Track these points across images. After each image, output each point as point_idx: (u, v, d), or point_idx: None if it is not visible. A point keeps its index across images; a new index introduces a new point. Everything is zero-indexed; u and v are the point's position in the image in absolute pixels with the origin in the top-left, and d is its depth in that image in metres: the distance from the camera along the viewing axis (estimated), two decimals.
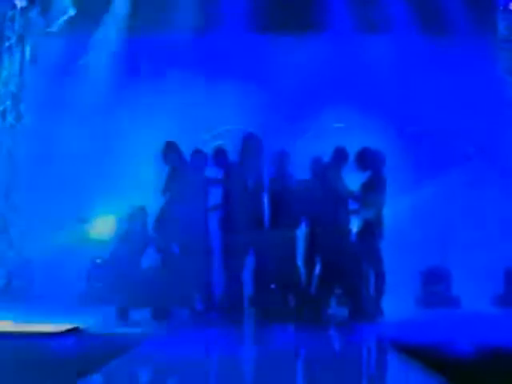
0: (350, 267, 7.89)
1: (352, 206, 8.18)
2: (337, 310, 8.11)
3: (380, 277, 7.95)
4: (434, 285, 9.81)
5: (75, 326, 5.75)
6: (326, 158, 8.43)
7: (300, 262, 8.31)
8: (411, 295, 9.53)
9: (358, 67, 10.71)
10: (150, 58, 10.51)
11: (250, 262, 7.98)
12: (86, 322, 6.83)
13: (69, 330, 5.74)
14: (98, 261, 8.94)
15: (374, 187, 7.99)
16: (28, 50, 10.32)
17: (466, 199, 10.31)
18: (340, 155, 8.19)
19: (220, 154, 8.42)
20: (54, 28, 10.31)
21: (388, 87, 10.58)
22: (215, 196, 8.11)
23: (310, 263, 8.33)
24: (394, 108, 10.55)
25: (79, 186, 9.70)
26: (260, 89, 10.45)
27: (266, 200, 8.10)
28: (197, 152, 8.29)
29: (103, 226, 9.31)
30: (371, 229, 7.90)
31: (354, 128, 10.28)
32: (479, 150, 10.68)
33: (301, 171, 8.50)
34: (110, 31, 10.53)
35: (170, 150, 7.90)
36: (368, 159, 8.05)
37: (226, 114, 10.22)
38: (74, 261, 9.42)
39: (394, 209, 8.50)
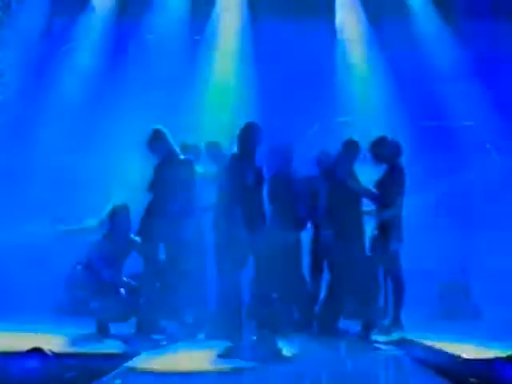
0: (363, 275, 6.88)
1: (366, 204, 7.23)
2: (348, 323, 7.09)
3: (399, 286, 6.93)
4: (453, 294, 8.98)
5: (38, 346, 4.73)
6: (334, 152, 7.52)
7: (305, 268, 7.37)
8: (427, 306, 8.59)
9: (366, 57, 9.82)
10: (139, 44, 9.55)
11: (248, 269, 6.95)
12: (61, 334, 6.08)
13: (31, 351, 4.74)
14: (80, 266, 7.91)
15: (391, 182, 6.96)
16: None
17: (487, 200, 9.38)
18: (351, 148, 7.20)
19: (214, 147, 7.46)
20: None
21: (399, 79, 9.68)
22: (209, 194, 7.14)
23: (316, 270, 7.35)
24: (406, 102, 9.62)
25: (57, 183, 8.69)
26: (259, 80, 9.50)
27: (267, 199, 7.12)
28: (188, 145, 7.33)
29: (83, 227, 8.32)
30: (389, 231, 6.90)
31: (360, 122, 9.36)
32: (497, 148, 9.77)
33: (306, 167, 7.57)
34: (97, 15, 9.59)
35: (158, 139, 6.84)
36: (385, 150, 7.05)
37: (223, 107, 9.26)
38: (51, 266, 8.44)
39: (407, 210, 7.53)
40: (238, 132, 6.76)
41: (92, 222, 8.03)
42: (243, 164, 6.69)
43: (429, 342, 6.41)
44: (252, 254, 6.84)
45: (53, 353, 4.76)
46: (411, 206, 7.47)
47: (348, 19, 9.87)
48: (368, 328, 6.79)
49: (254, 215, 6.67)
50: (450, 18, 9.62)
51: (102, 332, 6.41)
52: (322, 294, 7.37)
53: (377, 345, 6.53)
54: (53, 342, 5.80)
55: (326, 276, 7.38)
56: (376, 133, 7.52)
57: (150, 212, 6.79)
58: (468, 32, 9.62)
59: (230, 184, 6.67)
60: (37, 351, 4.72)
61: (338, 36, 9.79)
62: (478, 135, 9.66)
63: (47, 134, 8.96)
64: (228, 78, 9.35)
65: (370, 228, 7.10)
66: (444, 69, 9.71)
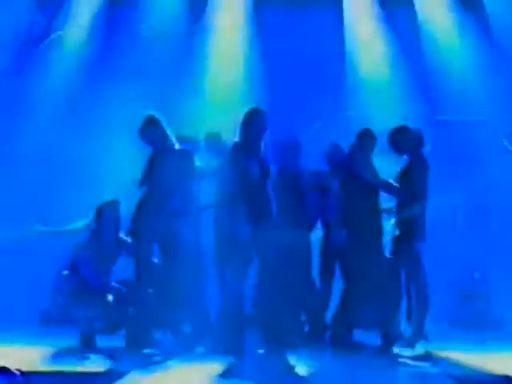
0: (382, 280, 6.02)
1: (384, 200, 6.39)
2: (365, 335, 6.23)
3: (422, 292, 6.07)
4: (472, 301, 8.16)
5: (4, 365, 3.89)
6: (345, 145, 6.71)
7: (315, 272, 6.54)
8: (444, 314, 7.76)
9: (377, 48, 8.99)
10: (134, 31, 8.73)
11: (252, 274, 6.14)
12: (39, 347, 5.42)
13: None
14: (66, 272, 7.02)
15: (414, 175, 6.09)
16: None
17: (508, 201, 8.55)
18: (367, 138, 6.35)
19: (214, 139, 6.60)
20: None
21: (410, 71, 8.86)
22: (208, 191, 6.30)
23: (327, 274, 6.51)
24: (418, 94, 8.80)
25: (41, 179, 7.83)
26: (262, 69, 8.67)
27: (273, 195, 6.28)
28: (185, 137, 6.46)
29: (71, 229, 7.46)
30: (412, 230, 6.03)
31: (368, 116, 8.53)
32: None
33: (312, 162, 6.75)
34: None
35: (151, 126, 5.95)
36: (405, 139, 6.20)
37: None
38: (35, 271, 7.58)
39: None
40: (240, 118, 5.91)
41: (81, 222, 7.17)
42: (247, 154, 5.80)
43: (455, 355, 5.66)
44: (256, 256, 6.00)
45: (22, 372, 3.92)
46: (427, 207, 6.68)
47: (357, 7, 9.07)
48: (389, 340, 5.92)
49: (258, 213, 5.79)
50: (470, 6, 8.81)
51: (86, 345, 5.54)
52: (333, 301, 6.58)
53: (400, 360, 5.70)
54: (27, 358, 5.02)
55: (336, 281, 6.60)
56: (386, 127, 6.74)
57: (142, 209, 5.89)
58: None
59: (231, 177, 5.78)
60: (2, 371, 3.87)
61: (346, 24, 8.97)
62: (493, 131, 8.87)
63: (32, 125, 8.12)
64: (229, 67, 8.49)
65: (388, 227, 6.28)
66: (458, 60, 8.91)
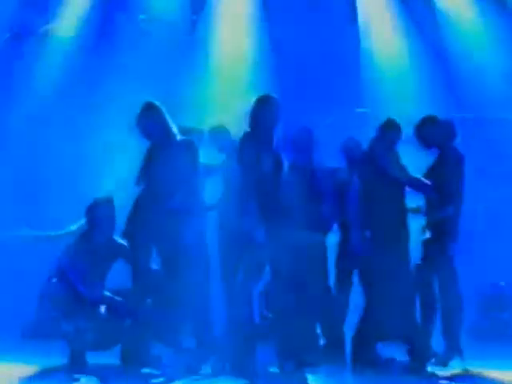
0: (409, 288, 5.30)
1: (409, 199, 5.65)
2: (391, 350, 5.44)
3: (457, 302, 5.34)
4: (497, 311, 7.40)
5: None
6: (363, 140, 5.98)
7: (331, 280, 5.79)
8: (465, 325, 7.00)
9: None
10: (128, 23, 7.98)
11: (261, 281, 5.38)
12: (23, 365, 4.75)
13: None
14: (54, 279, 6.22)
15: (445, 171, 5.35)
16: None
17: None
18: (392, 129, 5.59)
19: (219, 132, 5.83)
20: None
21: (429, 64, 8.12)
22: (213, 190, 5.56)
23: (344, 281, 5.77)
24: (438, 90, 8.04)
25: (30, 177, 7.05)
26: (271, 56, 7.93)
27: (288, 193, 5.52)
28: (187, 129, 5.70)
29: (64, 233, 6.67)
30: (445, 233, 5.31)
31: (381, 114, 7.77)
32: None
33: (325, 159, 6.01)
34: None
35: (150, 116, 5.15)
36: (435, 131, 5.47)
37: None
38: (22, 279, 6.78)
39: None
40: (250, 107, 5.14)
41: (75, 225, 6.39)
42: (258, 146, 5.02)
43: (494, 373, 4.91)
44: (267, 261, 5.25)
45: None
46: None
47: None
48: (419, 357, 5.16)
49: (271, 212, 5.03)
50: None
51: (76, 364, 4.73)
52: (351, 312, 5.83)
53: (432, 379, 4.94)
54: (7, 376, 4.25)
55: (354, 290, 5.85)
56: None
57: (139, 209, 5.14)
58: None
59: (240, 172, 5.02)
60: None
61: (360, 14, 8.22)
62: None
63: (21, 121, 7.36)
64: (235, 53, 7.72)
65: (414, 229, 5.53)
66: (481, 53, 8.17)
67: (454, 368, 5.16)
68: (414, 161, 5.60)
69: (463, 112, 8.13)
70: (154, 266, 5.18)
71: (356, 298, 5.80)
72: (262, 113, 5.09)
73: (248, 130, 5.12)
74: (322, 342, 5.66)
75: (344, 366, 5.31)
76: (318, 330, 5.70)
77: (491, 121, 8.23)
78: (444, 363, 5.22)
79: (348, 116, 7.97)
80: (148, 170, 5.18)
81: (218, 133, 5.82)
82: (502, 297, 7.44)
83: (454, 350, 5.29)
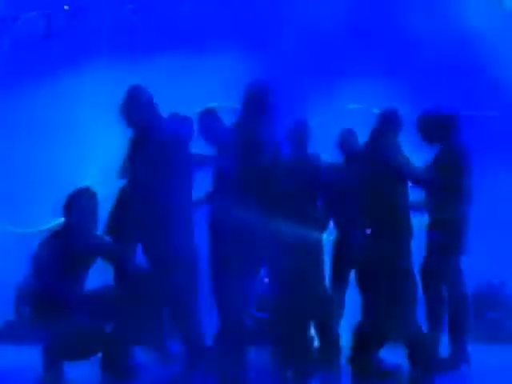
0: (408, 290, 4.68)
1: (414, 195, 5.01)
2: (390, 355, 4.82)
3: (463, 306, 4.73)
4: (489, 311, 6.81)
5: None
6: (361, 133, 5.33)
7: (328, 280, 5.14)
8: None
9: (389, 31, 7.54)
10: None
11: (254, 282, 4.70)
12: None
13: None
14: (30, 280, 5.45)
15: (449, 168, 4.74)
16: None
17: None
18: (393, 120, 4.93)
19: (210, 118, 5.14)
20: None
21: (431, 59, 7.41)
22: (204, 181, 4.87)
23: (339, 282, 5.15)
24: (440, 85, 7.33)
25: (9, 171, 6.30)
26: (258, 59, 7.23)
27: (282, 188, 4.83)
28: (176, 116, 5.01)
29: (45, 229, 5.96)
30: (454, 233, 4.69)
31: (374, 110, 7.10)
32: None
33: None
34: None
35: (136, 101, 4.42)
36: (438, 125, 4.85)
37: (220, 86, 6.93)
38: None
39: None
40: (247, 92, 4.45)
41: (56, 222, 5.66)
42: (255, 135, 4.36)
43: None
44: (261, 263, 4.58)
45: None
46: None
47: None
48: (425, 365, 4.53)
49: (270, 206, 4.37)
50: None
51: (51, 373, 4.03)
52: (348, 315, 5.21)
53: None
54: None
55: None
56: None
57: (124, 203, 4.47)
58: None
59: (234, 164, 4.38)
60: None
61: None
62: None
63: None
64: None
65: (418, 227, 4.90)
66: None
67: (460, 375, 4.55)
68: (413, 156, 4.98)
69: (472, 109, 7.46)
70: (140, 264, 4.47)
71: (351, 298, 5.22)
72: (260, 100, 4.38)
73: (243, 117, 4.44)
74: (315, 343, 5.09)
75: (339, 369, 4.72)
76: (312, 332, 5.12)
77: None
78: (449, 370, 4.60)
79: (339, 112, 7.32)
80: (133, 161, 4.48)
81: (209, 119, 5.11)
82: (496, 296, 6.89)
83: (460, 355, 4.68)
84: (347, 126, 5.68)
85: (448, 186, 4.66)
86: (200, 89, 6.38)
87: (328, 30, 7.13)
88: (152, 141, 4.43)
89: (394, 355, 4.62)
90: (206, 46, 6.95)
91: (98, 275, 4.27)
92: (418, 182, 4.69)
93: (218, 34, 6.93)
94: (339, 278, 5.14)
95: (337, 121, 6.93)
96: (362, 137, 5.32)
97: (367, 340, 4.62)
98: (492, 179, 7.18)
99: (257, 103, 4.35)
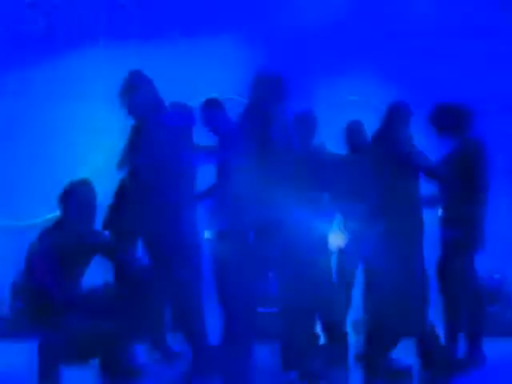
0: (419, 288, 4.25)
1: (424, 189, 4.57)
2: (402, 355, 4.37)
3: (478, 305, 4.32)
4: (488, 305, 6.40)
5: None
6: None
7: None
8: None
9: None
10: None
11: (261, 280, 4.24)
12: None
13: None
14: (24, 277, 4.93)
15: (464, 162, 4.31)
16: None
17: None
18: (403, 111, 4.47)
19: (212, 107, 4.63)
20: None
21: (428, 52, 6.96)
22: (208, 172, 4.42)
23: (347, 279, 4.73)
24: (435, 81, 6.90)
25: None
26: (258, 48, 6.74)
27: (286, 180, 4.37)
28: (176, 105, 4.51)
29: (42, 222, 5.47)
30: (470, 231, 4.28)
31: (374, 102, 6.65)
32: None
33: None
34: None
35: (136, 89, 3.89)
36: (452, 117, 4.41)
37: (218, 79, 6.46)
38: None
39: None
40: (255, 79, 3.96)
41: (51, 215, 5.16)
42: (265, 123, 3.86)
43: None
44: (269, 260, 4.11)
45: None
46: None
47: None
48: (438, 365, 4.11)
49: (281, 197, 3.88)
50: None
51: (46, 377, 3.54)
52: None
53: None
54: None
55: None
56: None
57: (124, 195, 4.01)
58: None
59: (242, 154, 3.90)
60: None
61: None
62: None
63: None
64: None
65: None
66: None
67: (475, 373, 4.13)
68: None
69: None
70: (141, 261, 4.01)
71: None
72: (269, 86, 3.93)
73: (251, 105, 3.98)
74: (321, 341, 4.67)
75: (347, 367, 4.32)
76: (318, 330, 4.70)
77: None
78: (463, 370, 4.18)
79: (340, 104, 6.87)
80: (133, 151, 4.01)
81: (211, 108, 4.63)
82: (496, 290, 6.48)
83: (474, 356, 4.27)
84: (352, 117, 5.28)
85: (464, 180, 4.24)
86: (198, 79, 5.92)
87: (328, 20, 6.72)
88: (154, 129, 3.96)
89: (405, 355, 4.23)
90: (203, 35, 6.51)
91: (98, 273, 3.80)
92: (432, 176, 4.25)
93: (215, 23, 6.47)
94: (346, 275, 4.73)
95: (337, 112, 6.55)
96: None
97: (381, 338, 4.20)
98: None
99: (273, 91, 3.89)
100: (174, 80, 5.18)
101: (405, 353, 4.18)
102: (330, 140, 4.98)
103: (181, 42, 6.26)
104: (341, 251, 4.74)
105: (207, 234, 4.45)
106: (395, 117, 4.44)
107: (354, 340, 4.53)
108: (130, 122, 4.05)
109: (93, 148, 5.25)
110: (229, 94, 4.84)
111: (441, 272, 4.34)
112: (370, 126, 4.78)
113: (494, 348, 5.04)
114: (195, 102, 4.58)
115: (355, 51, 6.91)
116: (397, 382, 4.01)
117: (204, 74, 5.94)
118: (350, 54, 6.88)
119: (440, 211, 4.42)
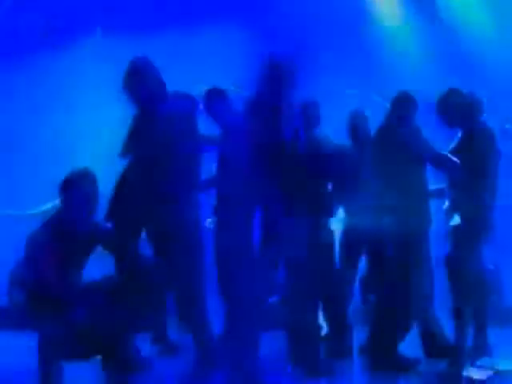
0: (431, 281, 4.06)
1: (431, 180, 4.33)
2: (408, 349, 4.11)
3: (482, 293, 4.13)
4: None
5: None
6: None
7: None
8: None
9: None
10: None
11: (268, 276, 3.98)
12: None
13: None
14: (22, 269, 4.65)
15: (473, 152, 4.06)
16: None
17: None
18: (408, 101, 4.24)
19: (217, 97, 4.37)
20: None
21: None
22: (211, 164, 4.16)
23: (348, 268, 4.51)
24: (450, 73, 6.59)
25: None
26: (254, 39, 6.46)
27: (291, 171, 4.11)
28: (178, 94, 4.23)
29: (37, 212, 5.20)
30: (476, 223, 4.03)
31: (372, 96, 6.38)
32: None
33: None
34: None
35: (139, 76, 3.62)
36: (459, 106, 4.17)
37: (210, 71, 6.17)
38: None
39: None
40: (262, 68, 3.70)
41: (52, 203, 4.86)
42: (270, 114, 3.59)
43: None
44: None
45: None
46: None
47: None
48: (455, 359, 3.85)
49: (279, 190, 3.67)
50: None
51: (47, 374, 3.25)
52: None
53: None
54: None
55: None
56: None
57: (126, 185, 3.73)
58: None
59: (247, 145, 3.64)
60: None
61: None
62: None
63: None
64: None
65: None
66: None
67: (484, 368, 3.91)
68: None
69: None
70: (144, 252, 3.76)
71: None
72: (276, 75, 3.66)
73: (256, 95, 3.72)
74: (324, 331, 4.44)
75: (350, 357, 4.11)
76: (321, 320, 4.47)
77: None
78: (469, 362, 3.96)
79: (338, 97, 6.61)
80: (136, 139, 3.74)
81: (216, 98, 4.37)
82: (491, 280, 6.29)
83: (481, 345, 4.07)
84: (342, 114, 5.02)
85: (472, 170, 4.01)
86: (199, 69, 5.64)
87: (328, 13, 6.45)
88: (158, 118, 3.69)
89: (411, 349, 4.01)
90: (204, 26, 6.22)
91: (99, 265, 3.55)
92: (441, 165, 4.02)
93: (217, 12, 6.18)
94: (349, 266, 4.51)
95: (336, 106, 6.30)
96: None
97: (389, 330, 3.97)
98: None
99: (281, 78, 3.63)
100: (174, 70, 4.91)
101: (410, 350, 3.97)
102: (329, 134, 4.76)
103: (182, 32, 5.97)
104: (344, 241, 4.52)
105: (210, 224, 4.26)
106: (401, 107, 4.23)
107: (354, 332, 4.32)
108: (132, 111, 3.78)
109: (94, 137, 4.96)
110: (228, 84, 4.56)
111: (450, 262, 4.12)
112: (370, 119, 4.58)
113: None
114: (195, 91, 4.32)
115: (354, 45, 6.68)
116: (404, 374, 3.79)
117: (205, 64, 5.66)
118: (349, 48, 6.65)
119: (447, 201, 4.20)
